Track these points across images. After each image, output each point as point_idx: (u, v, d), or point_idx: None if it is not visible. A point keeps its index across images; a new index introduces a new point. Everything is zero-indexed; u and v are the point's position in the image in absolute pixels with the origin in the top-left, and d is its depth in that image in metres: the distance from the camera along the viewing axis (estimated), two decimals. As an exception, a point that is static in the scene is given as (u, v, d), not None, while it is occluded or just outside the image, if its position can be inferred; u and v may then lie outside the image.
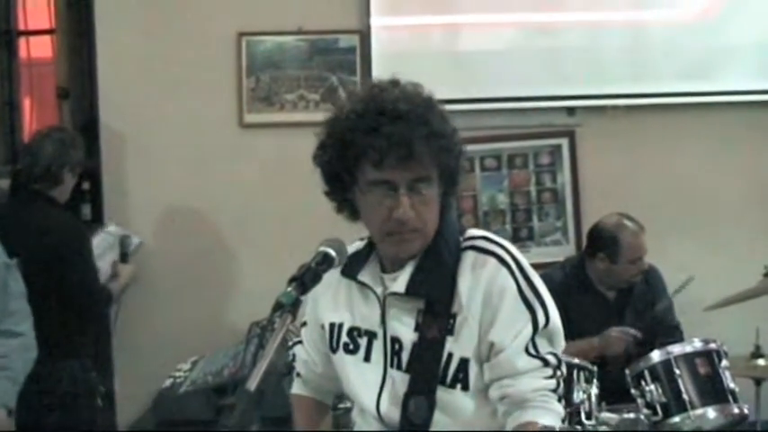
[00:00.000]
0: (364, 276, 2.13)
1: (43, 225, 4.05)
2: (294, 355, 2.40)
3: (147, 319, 4.89)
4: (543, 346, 2.02)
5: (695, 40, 4.96)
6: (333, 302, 2.20)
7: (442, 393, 2.03)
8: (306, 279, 1.93)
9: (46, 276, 3.84)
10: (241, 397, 1.76)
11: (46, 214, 4.10)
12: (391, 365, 2.09)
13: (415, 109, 1.98)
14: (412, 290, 2.04)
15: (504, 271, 2.03)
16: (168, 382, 4.11)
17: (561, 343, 2.07)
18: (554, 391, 2.01)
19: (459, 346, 2.02)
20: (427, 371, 2.03)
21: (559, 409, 2.02)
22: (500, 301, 2.01)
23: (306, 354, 2.35)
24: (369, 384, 2.12)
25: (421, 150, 1.96)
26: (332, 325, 2.20)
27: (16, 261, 3.58)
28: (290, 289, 1.91)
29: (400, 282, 2.06)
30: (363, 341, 2.14)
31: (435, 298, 2.04)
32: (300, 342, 2.36)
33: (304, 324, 2.31)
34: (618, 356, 4.06)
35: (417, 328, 2.05)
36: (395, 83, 2.05)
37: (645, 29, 4.96)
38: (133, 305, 4.77)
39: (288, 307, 1.88)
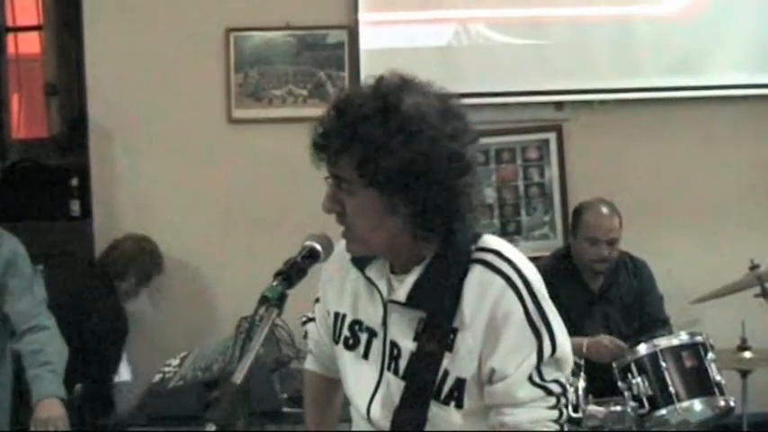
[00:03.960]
0: (371, 272, 2.04)
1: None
2: (306, 332, 2.35)
3: (136, 315, 4.89)
4: (549, 374, 1.91)
5: (682, 34, 4.98)
6: (339, 291, 2.13)
7: (434, 408, 1.95)
8: (291, 273, 1.92)
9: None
10: (227, 390, 1.76)
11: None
12: (388, 368, 2.02)
13: (357, 106, 1.87)
14: (412, 301, 1.95)
15: (511, 293, 1.90)
16: (157, 378, 4.10)
17: (569, 367, 1.96)
18: (555, 421, 1.92)
19: (456, 365, 1.93)
20: (421, 385, 1.95)
21: None
22: (504, 325, 1.89)
23: (317, 333, 2.29)
24: (363, 384, 2.06)
25: (336, 148, 1.88)
26: (336, 315, 2.13)
27: (42, 268, 3.66)
28: (275, 283, 1.90)
29: (402, 290, 1.96)
30: (364, 337, 2.07)
31: (436, 312, 1.93)
32: (313, 319, 2.31)
33: (317, 300, 2.25)
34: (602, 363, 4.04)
35: (417, 338, 1.96)
36: (396, 77, 1.92)
37: (632, 24, 4.98)
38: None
39: (273, 301, 1.87)
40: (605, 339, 4.07)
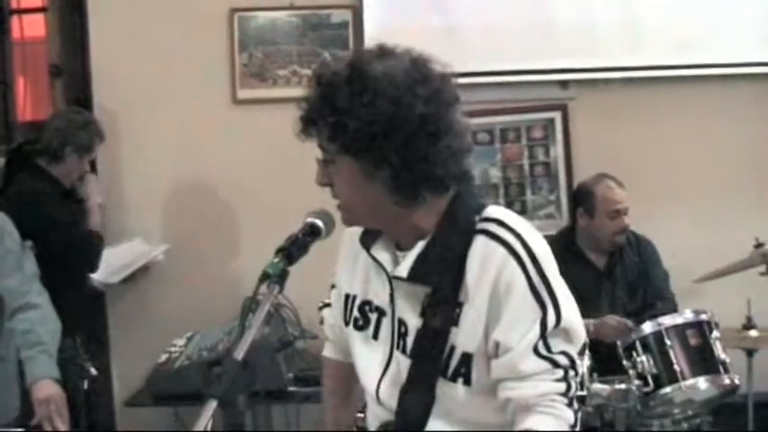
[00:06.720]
0: (377, 251, 2.02)
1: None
2: (323, 318, 2.35)
3: (143, 295, 4.91)
4: (556, 345, 1.86)
5: (688, 12, 4.94)
6: (351, 272, 2.13)
7: (442, 386, 1.93)
8: (292, 250, 1.92)
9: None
10: (228, 366, 1.77)
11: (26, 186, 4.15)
12: (397, 347, 2.00)
13: (330, 75, 1.88)
14: (415, 276, 1.93)
15: (513, 263, 1.86)
16: (164, 358, 4.14)
17: (579, 340, 1.91)
18: (564, 394, 1.88)
19: (462, 339, 1.90)
20: (428, 362, 1.93)
21: (568, 414, 1.88)
22: (507, 296, 1.86)
23: (333, 318, 2.28)
24: (373, 365, 2.05)
25: (312, 118, 1.91)
26: (347, 296, 2.13)
27: (31, 244, 3.62)
28: (276, 260, 1.90)
29: (405, 265, 1.94)
30: (374, 317, 2.06)
31: (440, 286, 1.91)
32: (329, 305, 2.30)
33: (333, 287, 2.24)
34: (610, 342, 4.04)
35: (423, 313, 1.94)
36: (377, 47, 1.94)
37: (638, 1, 4.94)
38: (128, 281, 4.78)
39: (274, 278, 1.88)
40: (611, 320, 4.08)
